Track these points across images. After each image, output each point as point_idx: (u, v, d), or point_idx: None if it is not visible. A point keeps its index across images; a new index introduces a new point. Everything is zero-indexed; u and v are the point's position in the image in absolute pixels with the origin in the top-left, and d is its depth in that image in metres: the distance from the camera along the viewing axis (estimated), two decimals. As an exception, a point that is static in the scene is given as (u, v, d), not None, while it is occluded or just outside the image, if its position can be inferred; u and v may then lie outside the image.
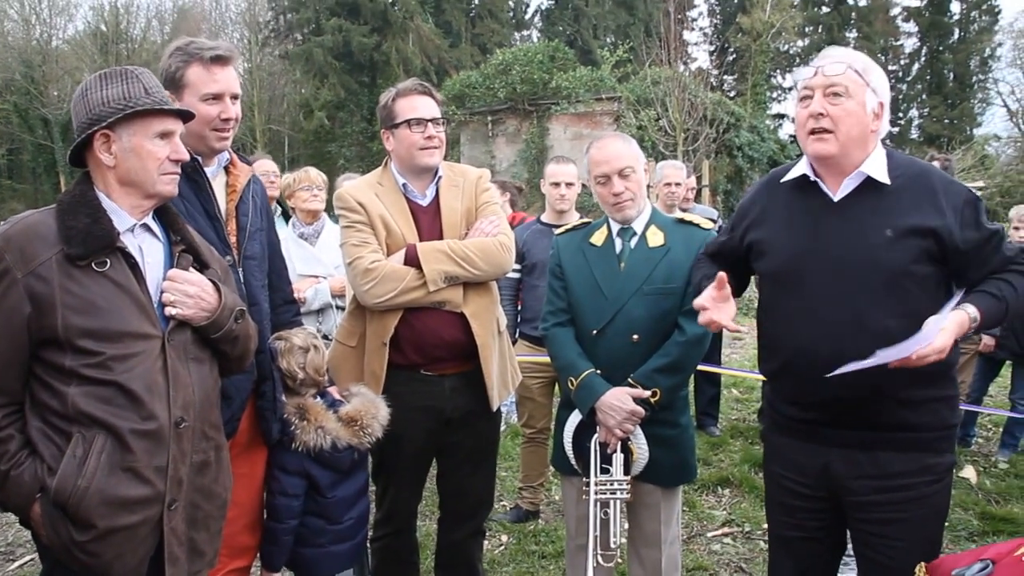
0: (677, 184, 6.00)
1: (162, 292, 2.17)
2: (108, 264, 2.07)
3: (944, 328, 2.16)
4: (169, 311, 2.16)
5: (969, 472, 5.58)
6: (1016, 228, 5.95)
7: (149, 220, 2.24)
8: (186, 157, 2.23)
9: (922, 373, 2.26)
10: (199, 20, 33.78)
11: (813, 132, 2.32)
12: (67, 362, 2.02)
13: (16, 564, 4.40)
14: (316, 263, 4.49)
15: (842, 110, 2.29)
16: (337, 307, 4.40)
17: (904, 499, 2.34)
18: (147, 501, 2.07)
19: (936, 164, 5.96)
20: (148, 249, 2.22)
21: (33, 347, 2.04)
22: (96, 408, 2.02)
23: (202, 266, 2.29)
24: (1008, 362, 6.32)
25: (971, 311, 2.23)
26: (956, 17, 35.82)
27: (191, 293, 2.19)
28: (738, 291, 2.79)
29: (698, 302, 2.50)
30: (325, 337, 4.15)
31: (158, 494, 2.09)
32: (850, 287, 2.30)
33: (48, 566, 2.19)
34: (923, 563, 2.26)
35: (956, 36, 35.93)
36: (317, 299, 4.38)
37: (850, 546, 2.59)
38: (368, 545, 3.38)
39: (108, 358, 2.03)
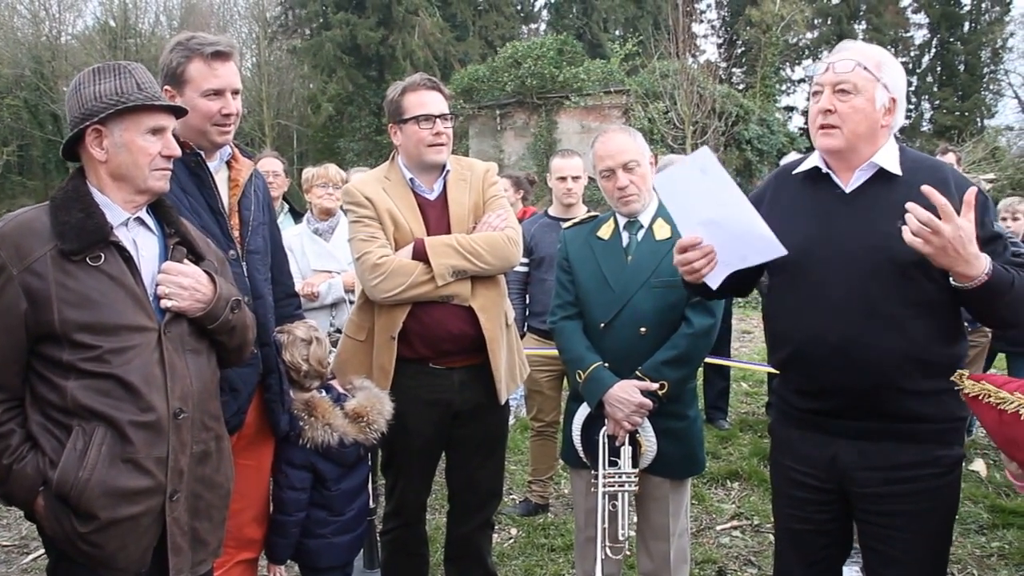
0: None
1: (157, 285, 2.18)
2: (103, 258, 2.08)
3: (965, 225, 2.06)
4: (164, 303, 2.16)
5: (979, 465, 5.53)
6: (1003, 219, 5.83)
7: (143, 214, 2.24)
8: (178, 153, 2.23)
9: (930, 364, 2.25)
10: (207, 15, 33.71)
11: (822, 127, 2.34)
12: (65, 356, 2.03)
13: (30, 557, 4.43)
14: (330, 259, 4.51)
15: (850, 107, 2.29)
16: (350, 302, 4.40)
17: (911, 491, 2.32)
18: (148, 492, 2.08)
19: (951, 157, 5.94)
20: (143, 243, 2.22)
21: (31, 342, 2.05)
22: (95, 401, 2.03)
23: (197, 258, 2.29)
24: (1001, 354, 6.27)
25: (987, 260, 2.13)
26: (967, 8, 35.54)
27: (186, 285, 2.19)
28: (749, 288, 2.79)
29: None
30: (339, 331, 4.16)
31: (159, 485, 2.10)
32: (860, 276, 2.28)
33: (54, 558, 2.20)
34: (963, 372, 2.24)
35: (967, 27, 35.66)
36: (330, 294, 4.40)
37: (856, 541, 2.57)
38: (378, 538, 3.38)
39: (105, 351, 2.04)
